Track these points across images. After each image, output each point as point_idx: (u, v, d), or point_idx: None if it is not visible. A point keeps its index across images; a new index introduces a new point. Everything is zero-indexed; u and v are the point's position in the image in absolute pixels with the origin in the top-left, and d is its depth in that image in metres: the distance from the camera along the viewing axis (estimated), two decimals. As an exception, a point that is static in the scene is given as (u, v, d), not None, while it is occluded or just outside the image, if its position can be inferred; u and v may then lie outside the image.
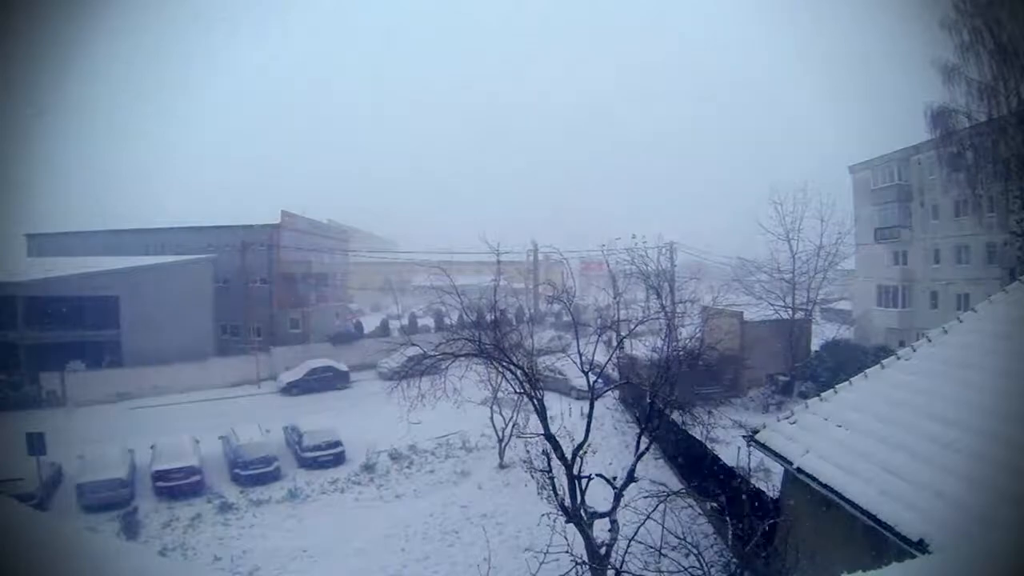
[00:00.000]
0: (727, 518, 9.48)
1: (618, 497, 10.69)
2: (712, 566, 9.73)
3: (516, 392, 13.10)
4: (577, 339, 13.32)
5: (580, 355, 11.97)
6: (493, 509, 15.94)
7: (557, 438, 11.37)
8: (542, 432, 11.47)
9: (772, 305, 26.10)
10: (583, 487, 10.85)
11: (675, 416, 16.18)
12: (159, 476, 17.17)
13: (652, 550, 9.80)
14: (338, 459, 19.60)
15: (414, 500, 17.09)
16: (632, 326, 14.54)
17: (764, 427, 10.19)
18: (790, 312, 26.03)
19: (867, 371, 9.51)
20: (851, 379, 9.63)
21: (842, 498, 7.49)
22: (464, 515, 15.75)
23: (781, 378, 25.35)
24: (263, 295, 35.00)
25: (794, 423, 9.51)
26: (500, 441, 18.72)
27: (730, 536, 9.87)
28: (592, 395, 11.95)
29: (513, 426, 17.32)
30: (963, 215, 27.38)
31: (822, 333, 28.55)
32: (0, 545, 1.83)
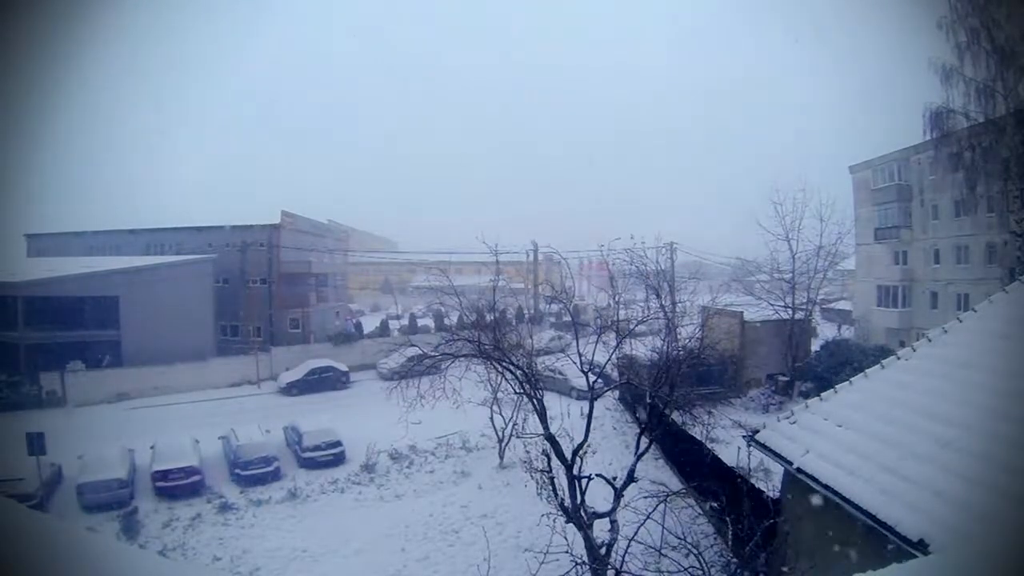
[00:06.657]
0: (727, 518, 9.48)
1: (618, 497, 10.69)
2: (712, 566, 9.74)
3: (516, 392, 13.08)
4: (577, 339, 13.31)
5: (580, 355, 11.94)
6: (493, 509, 15.93)
7: (557, 438, 11.36)
8: (542, 432, 11.46)
9: (772, 305, 26.05)
10: (583, 487, 10.85)
11: (675, 416, 16.18)
12: (159, 476, 17.16)
13: (652, 550, 9.82)
14: (338, 459, 19.58)
15: (414, 500, 17.08)
16: (632, 326, 14.52)
17: (764, 427, 10.21)
18: (790, 312, 26.00)
19: (867, 371, 9.50)
20: (851, 379, 9.63)
21: (842, 498, 7.49)
22: (464, 515, 15.74)
23: (781, 378, 25.33)
24: (263, 295, 35.00)
25: (794, 423, 9.51)
26: (500, 441, 18.68)
27: (730, 536, 9.86)
28: (592, 395, 11.95)
29: (513, 426, 17.29)
30: (963, 215, 27.39)
31: (822, 333, 28.51)
32: (0, 545, 1.83)
